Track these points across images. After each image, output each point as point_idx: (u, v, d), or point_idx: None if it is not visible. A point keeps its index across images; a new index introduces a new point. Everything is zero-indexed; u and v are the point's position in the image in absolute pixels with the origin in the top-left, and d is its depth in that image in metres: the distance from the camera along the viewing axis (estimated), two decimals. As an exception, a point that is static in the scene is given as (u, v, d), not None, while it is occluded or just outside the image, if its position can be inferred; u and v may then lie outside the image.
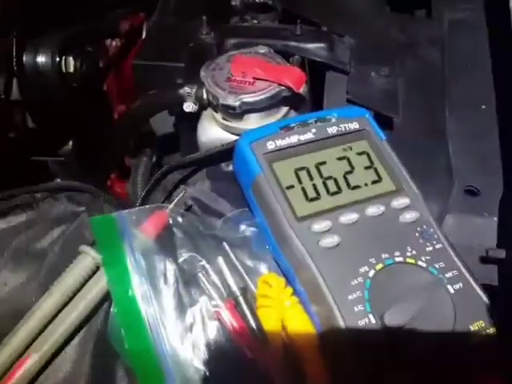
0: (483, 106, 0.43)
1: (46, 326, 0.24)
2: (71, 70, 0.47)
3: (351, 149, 0.31)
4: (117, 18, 0.60)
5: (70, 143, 0.52)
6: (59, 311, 0.25)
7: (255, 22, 0.46)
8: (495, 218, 0.35)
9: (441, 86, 0.44)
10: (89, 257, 0.26)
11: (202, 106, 0.39)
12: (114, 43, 0.62)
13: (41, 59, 0.44)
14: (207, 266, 0.26)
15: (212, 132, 0.38)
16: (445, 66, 0.45)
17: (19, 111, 0.46)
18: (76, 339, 0.25)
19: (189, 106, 0.39)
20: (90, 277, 0.26)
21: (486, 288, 0.27)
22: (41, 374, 0.25)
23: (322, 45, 0.43)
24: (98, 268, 0.26)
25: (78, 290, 0.25)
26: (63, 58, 0.45)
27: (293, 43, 0.43)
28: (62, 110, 0.48)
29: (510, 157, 0.36)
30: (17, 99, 0.44)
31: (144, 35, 0.56)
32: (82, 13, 0.52)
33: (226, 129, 0.38)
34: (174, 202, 0.27)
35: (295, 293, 0.28)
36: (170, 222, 0.27)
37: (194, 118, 0.42)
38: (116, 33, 0.61)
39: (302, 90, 0.38)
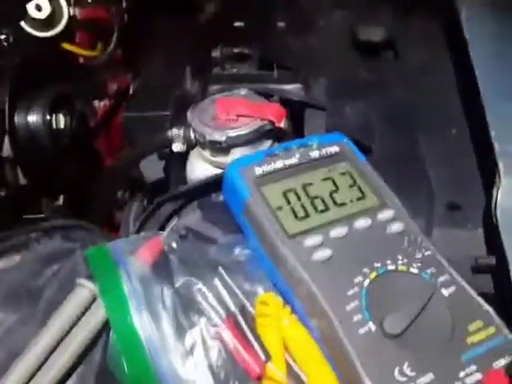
0: (453, 131, 0.46)
1: (44, 362, 0.24)
2: (61, 126, 0.48)
3: (334, 170, 0.33)
4: (104, 79, 0.64)
5: (61, 199, 0.53)
6: (57, 345, 0.24)
7: (234, 70, 0.49)
8: (480, 229, 0.36)
9: (412, 116, 0.47)
10: (85, 289, 0.26)
11: (190, 145, 0.41)
12: (102, 104, 0.65)
13: (32, 117, 0.46)
14: (204, 288, 0.26)
15: (200, 168, 0.40)
16: (414, 99, 0.48)
17: (11, 168, 0.47)
18: (75, 374, 0.24)
19: (177, 147, 0.41)
20: (87, 309, 0.26)
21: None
22: None
23: (298, 85, 0.46)
24: (94, 300, 0.26)
25: (76, 322, 0.25)
26: (53, 115, 0.47)
27: (271, 86, 0.46)
28: (53, 167, 0.49)
29: (486, 171, 0.39)
30: (8, 156, 0.45)
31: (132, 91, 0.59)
32: (71, 73, 0.55)
33: (214, 164, 0.39)
34: (168, 229, 0.28)
35: (293, 311, 0.28)
36: (165, 248, 0.27)
37: (182, 158, 0.44)
38: (104, 93, 0.64)
39: (284, 124, 0.41)
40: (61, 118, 0.48)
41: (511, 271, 0.30)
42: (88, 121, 0.55)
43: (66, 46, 0.54)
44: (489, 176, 0.35)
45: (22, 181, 0.49)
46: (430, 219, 0.38)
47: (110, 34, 0.58)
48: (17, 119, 0.45)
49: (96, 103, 0.64)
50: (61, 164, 0.50)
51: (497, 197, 0.33)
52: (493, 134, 0.36)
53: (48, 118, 0.46)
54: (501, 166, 0.34)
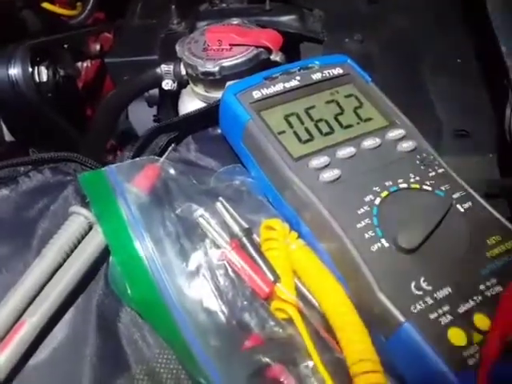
0: (458, 60, 0.43)
1: (40, 290, 0.22)
2: (44, 79, 0.46)
3: (338, 92, 0.31)
4: (85, 39, 0.61)
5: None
6: (53, 274, 0.23)
7: (224, 5, 0.46)
8: (491, 155, 0.35)
9: (414, 46, 0.44)
10: (81, 216, 0.24)
11: (181, 83, 0.39)
12: (85, 65, 0.62)
13: (13, 71, 0.44)
14: (206, 213, 0.24)
15: (194, 106, 0.37)
16: (416, 28, 0.46)
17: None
18: (75, 305, 0.23)
19: (167, 84, 0.38)
20: (83, 237, 0.24)
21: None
22: (39, 340, 0.22)
23: (293, 17, 0.43)
24: (91, 228, 0.24)
25: (72, 250, 0.23)
26: (35, 67, 0.45)
27: (264, 18, 0.43)
28: (38, 121, 0.47)
29: (494, 99, 0.37)
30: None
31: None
32: (51, 31, 0.52)
33: (207, 100, 0.37)
34: (164, 155, 0.26)
35: (301, 236, 0.26)
36: (163, 175, 0.26)
37: (175, 99, 0.41)
38: (87, 54, 0.61)
39: (280, 57, 0.38)
40: (43, 70, 0.46)
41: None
42: (71, 71, 0.53)
43: (46, 5, 0.51)
44: (500, 96, 0.33)
45: (8, 137, 0.48)
46: (438, 147, 0.36)
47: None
48: (-2, 72, 0.43)
49: (79, 64, 0.61)
50: (46, 117, 0.48)
51: (510, 115, 0.31)
52: (504, 49, 0.33)
53: (30, 69, 0.44)
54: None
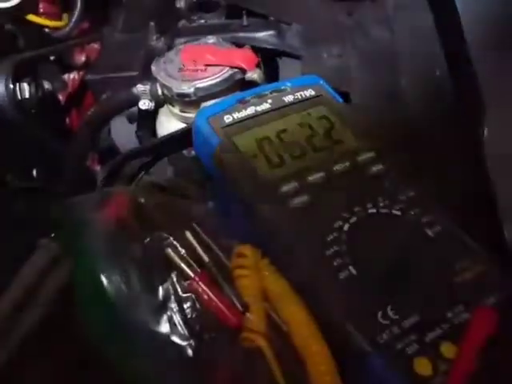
0: (437, 73, 0.44)
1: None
2: (26, 95, 0.46)
3: (310, 114, 0.31)
4: (71, 51, 0.60)
5: (34, 172, 0.50)
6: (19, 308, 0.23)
7: (202, 21, 0.46)
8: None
9: (392, 59, 0.45)
10: (46, 249, 0.24)
11: (158, 102, 0.39)
12: (72, 76, 0.62)
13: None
14: (175, 242, 0.24)
15: (170, 126, 0.38)
16: (394, 41, 0.46)
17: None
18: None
19: (144, 104, 0.38)
20: (49, 270, 0.24)
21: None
22: None
23: (270, 32, 0.43)
24: (56, 261, 0.24)
25: (38, 284, 0.23)
26: (17, 84, 0.45)
27: (241, 34, 0.43)
28: (22, 139, 0.47)
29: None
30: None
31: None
32: (36, 44, 0.51)
33: (184, 120, 0.37)
34: (134, 183, 0.26)
35: (272, 262, 0.26)
36: (132, 204, 0.25)
37: (152, 118, 0.41)
38: (73, 65, 0.60)
39: (256, 74, 0.38)
40: (25, 87, 0.46)
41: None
42: (54, 87, 0.53)
43: (31, 17, 0.51)
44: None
45: (-11, 158, 0.47)
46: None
47: (75, 4, 0.55)
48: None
49: (66, 77, 0.61)
50: (30, 134, 0.48)
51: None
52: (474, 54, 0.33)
53: (11, 86, 0.44)
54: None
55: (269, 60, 0.43)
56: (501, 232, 0.27)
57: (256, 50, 0.42)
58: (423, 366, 0.21)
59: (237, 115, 0.29)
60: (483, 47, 0.37)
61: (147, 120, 0.40)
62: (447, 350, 0.22)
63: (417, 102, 0.40)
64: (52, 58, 0.55)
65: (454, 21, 0.39)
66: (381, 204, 0.26)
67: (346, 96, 0.40)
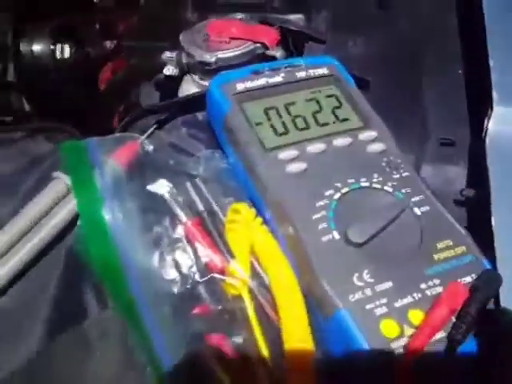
0: (459, 71, 0.44)
1: (14, 245, 0.25)
2: (66, 56, 0.49)
3: (320, 92, 0.32)
4: (113, 19, 0.63)
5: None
6: (28, 231, 0.25)
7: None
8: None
9: (416, 53, 0.45)
10: (61, 181, 0.26)
11: (182, 70, 0.41)
12: (112, 44, 0.65)
13: (36, 47, 0.47)
14: (174, 190, 0.26)
15: (190, 92, 0.39)
16: (420, 35, 0.46)
17: (16, 96, 0.48)
18: (43, 262, 0.26)
19: (168, 70, 0.40)
20: (61, 200, 0.26)
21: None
22: (4, 294, 0.25)
23: (299, 15, 0.45)
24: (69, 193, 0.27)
25: (48, 212, 0.26)
26: (57, 45, 0.48)
27: (271, 14, 0.45)
28: (57, 95, 0.50)
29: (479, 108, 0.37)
30: (14, 82, 0.46)
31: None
32: (79, 10, 0.55)
33: (202, 88, 0.39)
34: (146, 134, 0.28)
35: (264, 222, 0.28)
36: (142, 152, 0.28)
37: (176, 85, 0.43)
38: (114, 33, 0.64)
39: (280, 54, 0.40)
40: (65, 47, 0.49)
41: (491, 203, 0.29)
42: (92, 50, 0.56)
43: None
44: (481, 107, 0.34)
45: (27, 107, 0.51)
46: (422, 155, 0.37)
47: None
48: (21, 47, 0.47)
49: (107, 43, 0.64)
50: (64, 91, 0.51)
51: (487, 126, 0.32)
52: (491, 63, 0.34)
53: (51, 47, 0.47)
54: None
55: (294, 42, 0.45)
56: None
57: (285, 30, 0.43)
58: (389, 328, 0.22)
59: (249, 84, 0.31)
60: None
61: (171, 86, 0.42)
62: (415, 316, 0.23)
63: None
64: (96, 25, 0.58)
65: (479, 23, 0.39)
66: (374, 180, 0.28)
67: (366, 83, 0.41)
